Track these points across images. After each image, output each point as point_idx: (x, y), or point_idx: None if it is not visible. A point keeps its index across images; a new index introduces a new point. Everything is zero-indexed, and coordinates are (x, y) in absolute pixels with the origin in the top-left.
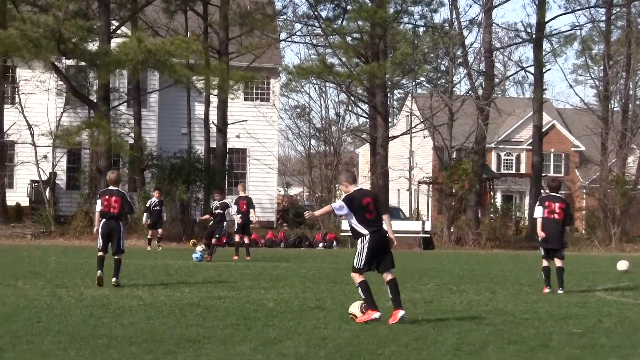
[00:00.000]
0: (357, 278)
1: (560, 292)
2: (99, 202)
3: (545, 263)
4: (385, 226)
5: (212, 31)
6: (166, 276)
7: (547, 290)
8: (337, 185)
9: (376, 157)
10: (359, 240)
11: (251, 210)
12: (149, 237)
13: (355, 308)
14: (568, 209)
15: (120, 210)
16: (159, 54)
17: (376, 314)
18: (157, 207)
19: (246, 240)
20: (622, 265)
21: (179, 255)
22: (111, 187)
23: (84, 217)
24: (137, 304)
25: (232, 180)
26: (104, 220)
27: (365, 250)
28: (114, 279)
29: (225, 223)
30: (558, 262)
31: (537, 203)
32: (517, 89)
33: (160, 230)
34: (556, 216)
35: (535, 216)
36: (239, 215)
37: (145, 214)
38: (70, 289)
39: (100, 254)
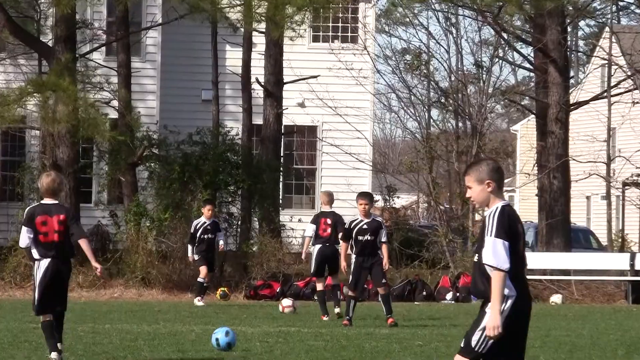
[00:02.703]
0: None
1: None
2: (25, 230)
3: None
4: None
5: None
6: (176, 352)
7: None
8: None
9: (548, 139)
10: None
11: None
12: (200, 279)
13: None
14: None
15: (67, 239)
16: None
17: None
18: (210, 235)
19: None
20: None
21: (197, 313)
22: (47, 201)
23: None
24: None
25: (291, 182)
26: (42, 260)
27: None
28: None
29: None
30: None
31: None
32: None
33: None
34: None
35: None
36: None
37: (190, 247)
38: None
39: (46, 318)
